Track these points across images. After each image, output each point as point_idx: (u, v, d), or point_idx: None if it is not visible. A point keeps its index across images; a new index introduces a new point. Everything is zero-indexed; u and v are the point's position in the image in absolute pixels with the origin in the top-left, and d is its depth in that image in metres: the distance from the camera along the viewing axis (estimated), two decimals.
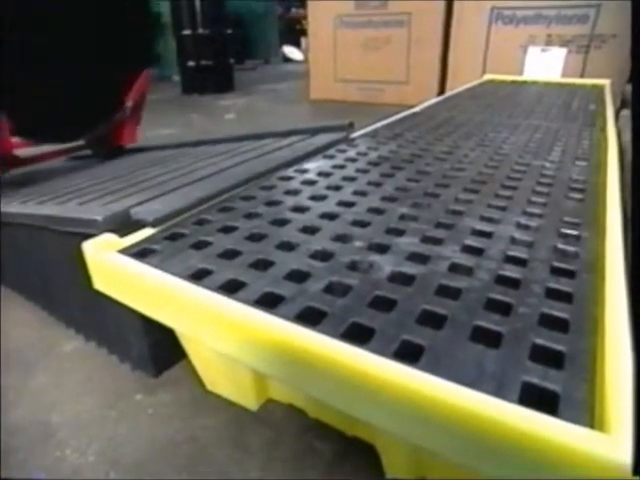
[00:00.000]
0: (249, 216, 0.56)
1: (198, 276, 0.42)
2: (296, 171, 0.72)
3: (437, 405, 0.28)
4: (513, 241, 0.49)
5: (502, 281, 0.41)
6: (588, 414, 0.27)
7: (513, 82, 1.79)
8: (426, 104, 1.34)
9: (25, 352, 0.65)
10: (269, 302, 0.38)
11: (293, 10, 5.75)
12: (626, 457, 0.24)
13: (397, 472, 0.43)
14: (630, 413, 0.26)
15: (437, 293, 0.39)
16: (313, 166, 0.75)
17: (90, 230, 0.52)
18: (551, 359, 0.32)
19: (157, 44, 3.56)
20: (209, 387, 0.56)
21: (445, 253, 0.46)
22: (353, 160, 0.78)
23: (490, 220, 0.54)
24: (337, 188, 0.64)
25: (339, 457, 0.48)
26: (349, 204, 0.59)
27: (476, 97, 1.49)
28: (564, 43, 1.98)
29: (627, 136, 1.10)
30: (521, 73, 2.03)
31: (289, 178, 0.70)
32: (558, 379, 0.30)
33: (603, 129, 1.00)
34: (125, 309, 0.47)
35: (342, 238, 0.50)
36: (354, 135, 0.95)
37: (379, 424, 0.32)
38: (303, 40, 5.25)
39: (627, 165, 0.92)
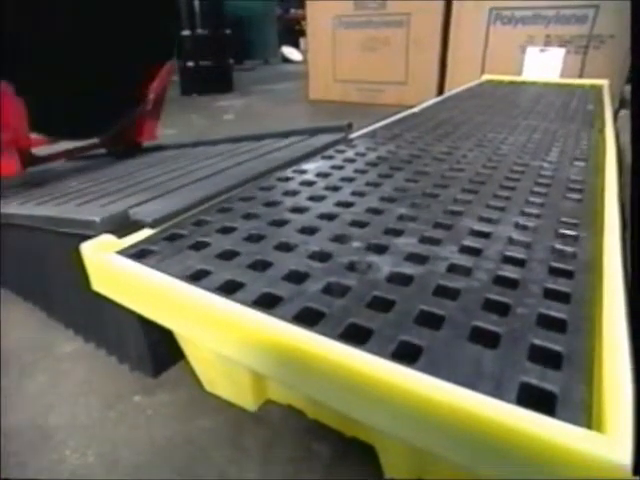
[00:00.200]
0: (248, 217, 0.56)
1: (196, 277, 0.42)
2: (295, 172, 0.72)
3: (435, 406, 0.28)
4: (511, 242, 0.49)
5: (500, 282, 0.41)
6: (586, 414, 0.27)
7: (512, 82, 1.79)
8: (425, 104, 1.35)
9: (24, 353, 0.65)
10: (267, 303, 0.38)
11: (292, 11, 5.75)
12: (623, 457, 0.24)
13: (396, 472, 0.43)
14: (629, 413, 0.27)
15: (435, 294, 0.39)
16: (312, 167, 0.75)
17: (88, 231, 0.52)
18: (549, 359, 0.32)
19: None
20: (208, 388, 0.56)
21: (443, 253, 0.46)
22: (352, 161, 0.78)
23: (488, 220, 0.54)
24: (336, 189, 0.65)
25: (338, 458, 0.48)
26: (347, 204, 0.59)
27: (475, 97, 1.49)
28: (563, 43, 1.98)
29: (625, 137, 1.10)
30: (520, 73, 2.03)
31: (288, 179, 0.70)
32: (556, 379, 0.30)
33: (601, 130, 1.00)
34: (124, 310, 0.47)
35: (340, 239, 0.50)
36: (353, 136, 0.95)
37: (377, 425, 0.33)
38: (302, 41, 5.26)
39: (625, 166, 0.92)
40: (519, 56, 2.07)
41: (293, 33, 5.59)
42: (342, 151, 0.84)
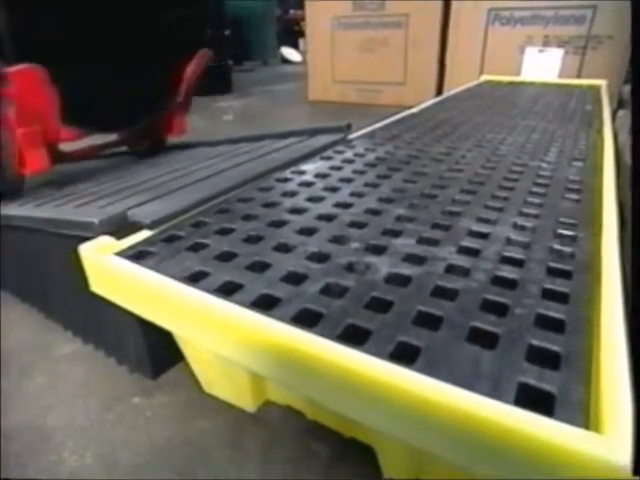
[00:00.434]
0: (246, 218, 0.56)
1: (195, 278, 0.42)
2: (293, 172, 0.73)
3: (433, 407, 0.28)
4: (509, 242, 0.49)
5: (498, 282, 0.41)
6: (584, 415, 0.27)
7: (510, 83, 1.79)
8: (424, 105, 1.35)
9: (22, 355, 0.65)
10: (266, 304, 0.38)
11: (291, 11, 5.76)
12: (621, 458, 0.24)
13: (394, 473, 0.43)
14: (627, 414, 0.27)
15: (433, 294, 0.39)
16: (310, 167, 0.75)
17: (87, 233, 0.52)
18: (547, 360, 0.32)
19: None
20: (206, 389, 0.56)
21: (442, 254, 0.46)
22: (350, 161, 0.78)
23: (487, 221, 0.54)
24: (334, 189, 0.65)
25: (337, 458, 0.48)
26: (346, 205, 0.59)
27: (474, 98, 1.50)
28: (561, 44, 1.98)
29: (623, 137, 1.10)
30: (519, 74, 2.03)
31: (286, 180, 0.70)
32: (554, 380, 0.30)
33: (599, 130, 1.00)
34: (122, 312, 0.47)
35: (339, 239, 0.50)
36: (351, 136, 0.95)
37: (375, 426, 0.33)
38: (301, 41, 5.26)
39: (623, 166, 0.92)
40: (518, 56, 2.07)
41: (292, 34, 5.59)
42: (341, 152, 0.84)
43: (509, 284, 0.41)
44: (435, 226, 0.53)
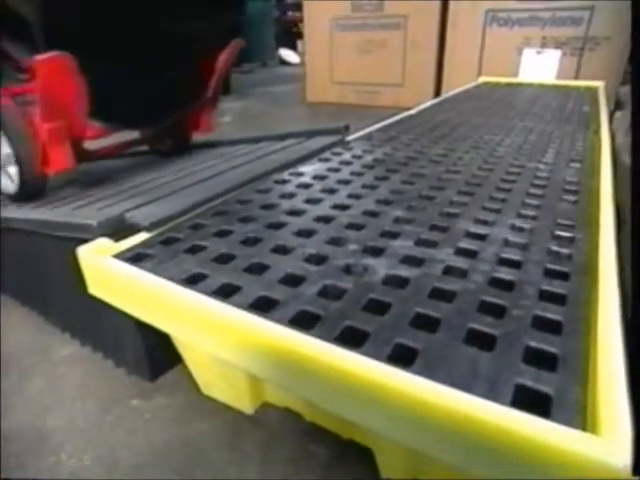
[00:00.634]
0: (244, 220, 0.56)
1: (192, 280, 0.42)
2: (292, 174, 0.73)
3: (431, 408, 0.28)
4: (507, 243, 0.49)
5: (496, 284, 0.41)
6: (581, 416, 0.27)
7: (508, 84, 1.79)
8: (422, 106, 1.35)
9: (21, 357, 0.65)
10: (263, 306, 0.38)
11: (289, 13, 5.76)
12: (618, 459, 0.24)
13: (393, 473, 0.43)
14: (624, 415, 0.27)
15: (431, 296, 0.39)
16: (309, 169, 0.75)
17: (85, 235, 0.52)
18: (544, 361, 0.32)
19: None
20: (205, 391, 0.56)
21: (439, 256, 0.46)
22: (348, 163, 0.78)
23: (484, 223, 0.54)
24: (332, 191, 0.65)
25: (335, 460, 0.48)
26: (344, 207, 0.59)
27: (471, 99, 1.50)
28: (559, 45, 1.99)
29: (621, 138, 1.11)
30: (516, 75, 2.03)
31: (285, 181, 0.70)
32: (551, 381, 0.30)
33: (597, 131, 1.01)
34: (120, 314, 0.47)
35: (337, 241, 0.50)
36: (349, 138, 0.96)
37: (373, 428, 0.33)
38: (299, 43, 5.26)
39: (621, 167, 0.92)
40: (515, 58, 2.07)
41: (290, 35, 5.59)
42: (339, 153, 0.84)
43: (507, 286, 0.41)
44: (433, 228, 0.53)
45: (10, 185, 0.80)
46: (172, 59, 0.90)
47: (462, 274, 0.43)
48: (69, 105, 0.74)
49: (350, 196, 0.63)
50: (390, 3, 2.38)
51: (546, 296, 0.39)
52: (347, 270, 0.44)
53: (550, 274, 0.43)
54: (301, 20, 2.91)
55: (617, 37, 1.84)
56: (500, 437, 0.27)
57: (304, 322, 0.36)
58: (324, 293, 0.40)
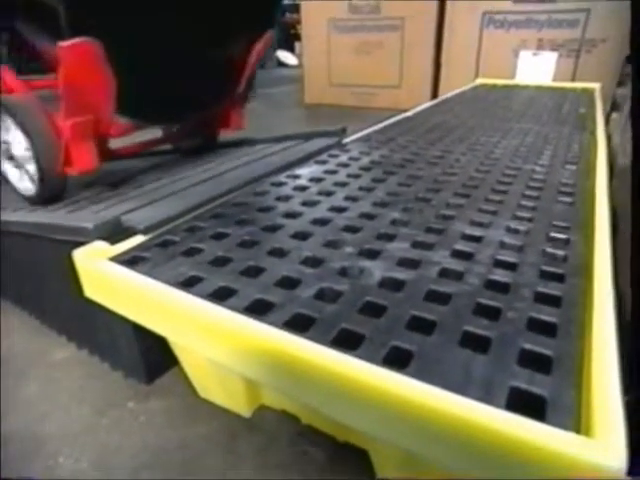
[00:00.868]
0: (241, 222, 0.56)
1: (188, 283, 0.42)
2: (288, 177, 0.73)
3: (426, 411, 0.28)
4: (503, 245, 0.49)
5: (491, 286, 0.41)
6: (574, 419, 0.27)
7: (505, 86, 1.80)
8: (419, 108, 1.35)
9: (17, 360, 0.65)
10: (259, 309, 0.38)
11: (287, 15, 5.77)
12: (611, 461, 0.24)
13: (388, 474, 0.43)
14: (617, 417, 0.27)
15: (427, 298, 0.40)
16: (305, 172, 0.75)
17: (81, 238, 0.52)
18: (539, 364, 0.32)
19: None
20: (202, 394, 0.56)
21: (435, 258, 0.46)
22: (345, 165, 0.78)
23: (480, 224, 0.54)
24: (329, 194, 0.65)
25: (331, 462, 0.48)
26: (340, 209, 0.59)
27: (468, 101, 1.50)
28: (555, 47, 1.99)
29: (617, 139, 1.11)
30: (513, 77, 2.04)
31: (281, 184, 0.70)
32: (545, 384, 0.30)
33: (593, 132, 1.01)
34: (116, 317, 0.46)
35: (333, 244, 0.50)
36: (347, 140, 0.96)
37: (368, 430, 0.33)
38: (297, 45, 5.26)
39: (618, 168, 0.92)
40: (512, 60, 2.08)
41: (288, 37, 5.60)
42: (336, 155, 0.84)
43: (502, 288, 0.41)
44: (429, 230, 0.53)
45: (30, 186, 0.75)
46: (205, 49, 0.81)
47: (458, 276, 0.43)
48: (96, 98, 0.66)
49: (347, 198, 0.63)
50: (387, 5, 2.39)
51: (541, 298, 0.39)
52: (343, 273, 0.44)
53: (545, 276, 0.43)
54: (299, 22, 2.91)
55: (613, 39, 1.85)
56: (494, 440, 0.27)
57: (300, 325, 0.36)
58: (320, 296, 0.40)
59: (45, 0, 0.63)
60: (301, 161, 0.80)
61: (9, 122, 0.71)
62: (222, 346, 0.37)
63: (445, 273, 0.44)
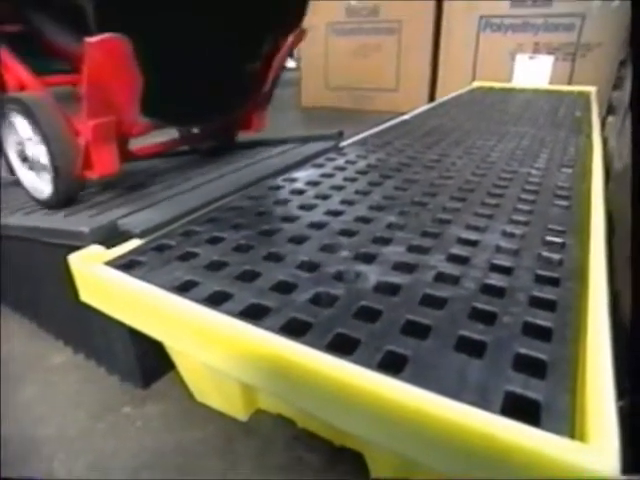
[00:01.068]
0: (237, 227, 0.56)
1: (184, 288, 0.42)
2: (285, 180, 0.73)
3: (421, 416, 0.28)
4: (498, 249, 0.49)
5: (487, 290, 0.42)
6: (569, 424, 0.28)
7: (502, 89, 1.81)
8: (416, 112, 1.35)
9: (13, 364, 0.65)
10: (255, 314, 0.38)
11: None
12: (605, 467, 0.24)
13: (384, 476, 0.43)
14: (612, 422, 0.27)
15: (422, 303, 0.40)
16: (302, 175, 0.75)
17: (77, 242, 0.51)
18: (534, 368, 0.32)
19: None
20: (198, 398, 0.56)
21: (431, 262, 0.46)
22: (342, 169, 0.78)
23: (476, 228, 0.54)
24: (325, 197, 0.65)
25: (327, 466, 0.47)
26: (337, 213, 0.59)
27: (465, 104, 1.51)
28: (551, 51, 2.00)
29: (613, 142, 1.11)
30: (510, 80, 2.05)
31: (278, 187, 0.70)
32: (540, 388, 0.30)
33: (589, 136, 1.02)
34: (112, 321, 0.46)
35: (329, 248, 0.50)
36: (344, 143, 0.96)
37: (363, 435, 0.33)
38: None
39: (614, 172, 0.93)
40: (509, 63, 2.09)
41: None
42: (332, 159, 0.84)
43: (497, 292, 0.41)
44: (425, 234, 0.53)
45: (45, 189, 0.70)
46: (239, 51, 0.79)
47: (453, 280, 0.43)
48: (121, 97, 0.62)
49: (343, 202, 0.63)
50: (385, 8, 2.40)
51: (536, 302, 0.40)
52: (339, 277, 0.44)
53: (541, 280, 0.43)
54: None
55: (609, 43, 1.86)
56: (489, 445, 0.27)
57: (295, 330, 0.36)
58: (316, 300, 0.40)
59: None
60: (298, 164, 0.81)
61: (24, 122, 0.67)
62: (218, 351, 0.37)
63: (441, 277, 0.44)
